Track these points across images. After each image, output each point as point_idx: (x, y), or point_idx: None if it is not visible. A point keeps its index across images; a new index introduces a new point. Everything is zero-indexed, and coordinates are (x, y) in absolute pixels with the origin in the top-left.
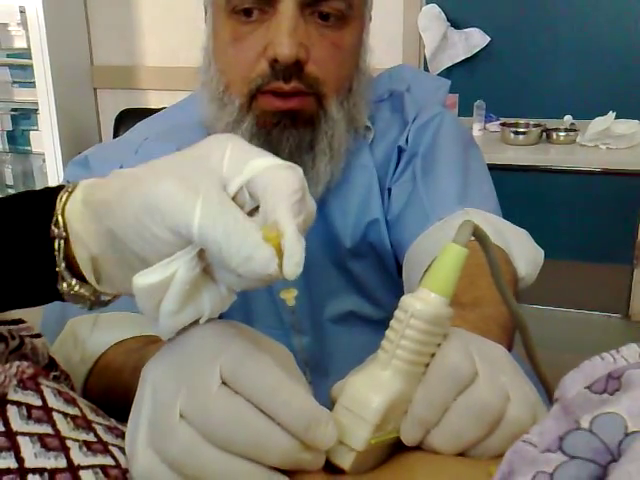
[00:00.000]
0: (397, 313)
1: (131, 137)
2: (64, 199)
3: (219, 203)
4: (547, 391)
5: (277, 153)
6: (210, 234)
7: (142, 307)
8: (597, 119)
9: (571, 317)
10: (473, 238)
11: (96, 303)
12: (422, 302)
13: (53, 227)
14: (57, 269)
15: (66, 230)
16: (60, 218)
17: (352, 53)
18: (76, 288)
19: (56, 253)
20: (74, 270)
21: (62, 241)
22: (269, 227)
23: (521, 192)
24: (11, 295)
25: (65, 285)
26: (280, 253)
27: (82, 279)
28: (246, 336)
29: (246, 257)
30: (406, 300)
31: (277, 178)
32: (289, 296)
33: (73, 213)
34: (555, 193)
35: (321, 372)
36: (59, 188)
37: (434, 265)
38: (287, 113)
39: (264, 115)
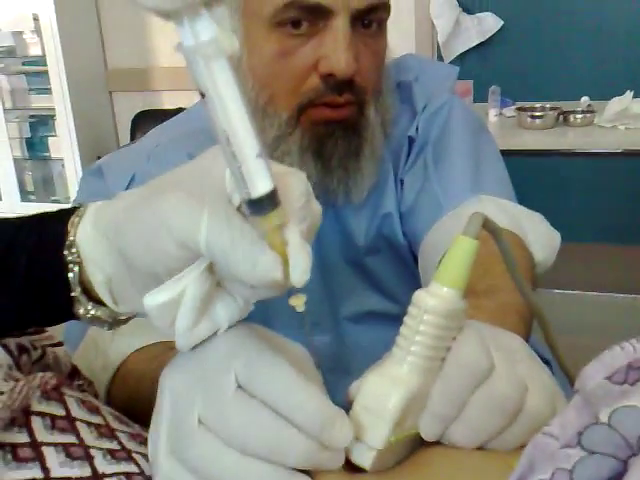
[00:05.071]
0: (410, 309)
1: (143, 144)
2: (76, 223)
3: (225, 214)
4: (569, 379)
5: (329, 162)
6: (217, 245)
7: (157, 325)
8: (614, 99)
9: (595, 300)
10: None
11: (114, 324)
12: (435, 297)
13: (66, 252)
14: (73, 294)
15: (79, 255)
16: (73, 243)
17: (384, 57)
18: (92, 312)
19: (71, 278)
20: (90, 294)
21: (76, 266)
22: (274, 235)
23: (540, 176)
24: (29, 318)
25: (82, 309)
26: (287, 261)
27: (98, 302)
28: (260, 337)
29: (252, 264)
30: (419, 295)
31: (281, 185)
32: (298, 302)
33: (85, 237)
34: (575, 176)
35: (342, 370)
36: (72, 210)
37: (445, 258)
38: (339, 123)
39: (315, 126)
